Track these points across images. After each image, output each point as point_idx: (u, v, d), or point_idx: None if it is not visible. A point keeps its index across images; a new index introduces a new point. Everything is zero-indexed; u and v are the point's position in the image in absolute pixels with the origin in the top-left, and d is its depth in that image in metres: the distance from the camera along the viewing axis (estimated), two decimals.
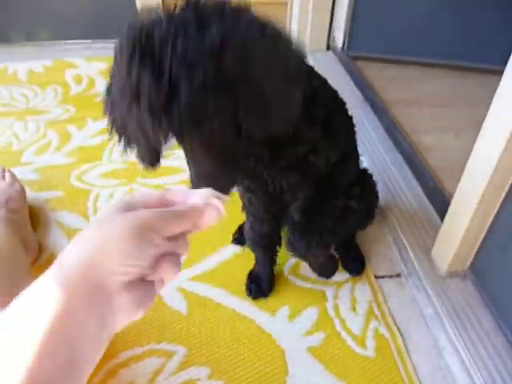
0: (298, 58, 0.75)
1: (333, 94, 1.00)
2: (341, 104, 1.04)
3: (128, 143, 0.74)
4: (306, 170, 0.95)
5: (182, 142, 0.68)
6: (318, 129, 0.89)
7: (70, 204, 1.55)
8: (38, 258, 1.35)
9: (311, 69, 0.94)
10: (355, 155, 1.13)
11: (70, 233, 1.44)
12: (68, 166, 1.72)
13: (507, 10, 2.19)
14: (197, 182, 0.70)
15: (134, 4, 2.50)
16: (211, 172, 0.69)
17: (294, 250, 1.12)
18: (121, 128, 0.72)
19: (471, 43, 2.36)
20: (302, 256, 1.17)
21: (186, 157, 0.72)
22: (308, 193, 1.04)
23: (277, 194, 1.00)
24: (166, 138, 0.66)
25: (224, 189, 0.68)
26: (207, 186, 0.58)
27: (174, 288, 1.27)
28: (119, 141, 0.75)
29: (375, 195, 1.27)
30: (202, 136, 0.65)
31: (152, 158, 0.78)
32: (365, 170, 1.25)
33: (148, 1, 2.44)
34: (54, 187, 1.62)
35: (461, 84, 2.38)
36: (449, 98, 2.26)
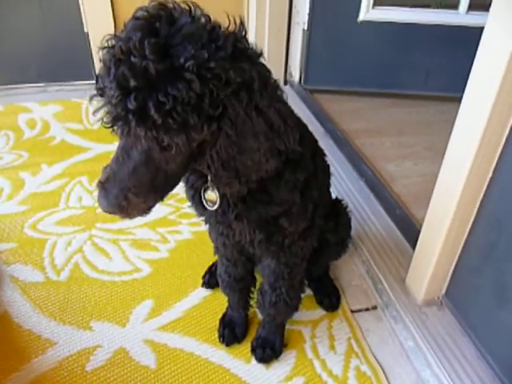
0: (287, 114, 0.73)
1: (314, 151, 0.98)
2: (321, 160, 1.02)
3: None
4: (274, 231, 0.90)
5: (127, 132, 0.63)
6: (297, 193, 0.86)
7: (24, 256, 1.44)
8: None
9: (301, 124, 0.92)
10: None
11: (26, 287, 1.33)
12: (21, 215, 1.62)
13: (449, 44, 2.32)
14: (111, 185, 0.65)
15: (89, 46, 2.47)
16: (137, 183, 0.65)
17: (267, 315, 1.13)
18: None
19: (419, 73, 2.47)
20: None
21: (120, 152, 0.66)
22: (274, 263, 1.02)
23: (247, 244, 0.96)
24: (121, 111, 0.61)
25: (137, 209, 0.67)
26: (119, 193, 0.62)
27: (140, 340, 1.18)
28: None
29: (349, 226, 1.25)
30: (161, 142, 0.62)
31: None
32: (339, 201, 1.24)
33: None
34: (6, 239, 1.51)
35: (412, 112, 2.47)
36: (404, 126, 2.32)
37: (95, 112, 0.66)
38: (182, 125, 0.59)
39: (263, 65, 0.70)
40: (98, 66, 0.68)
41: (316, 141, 0.99)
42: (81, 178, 1.82)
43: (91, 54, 2.49)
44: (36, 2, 2.35)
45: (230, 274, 1.12)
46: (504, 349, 1.05)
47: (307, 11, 2.36)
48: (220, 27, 0.65)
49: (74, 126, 2.22)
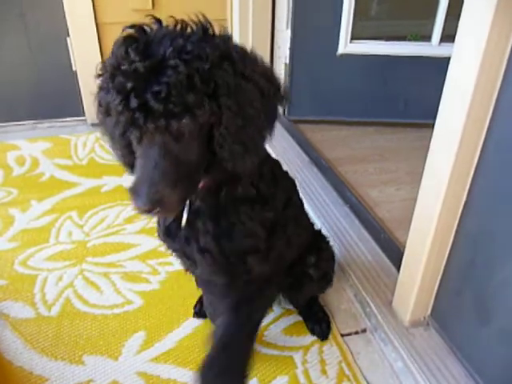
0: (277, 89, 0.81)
1: (289, 198, 1.02)
2: (292, 210, 1.05)
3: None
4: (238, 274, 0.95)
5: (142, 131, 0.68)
6: (264, 229, 0.91)
7: (14, 292, 1.45)
8: None
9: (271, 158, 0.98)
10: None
11: (16, 324, 1.33)
12: (11, 252, 1.62)
13: (423, 74, 2.44)
14: (145, 188, 0.68)
15: (77, 84, 2.53)
16: (164, 180, 0.68)
17: None
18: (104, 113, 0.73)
19: (398, 102, 2.58)
20: None
21: (140, 155, 0.70)
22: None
23: None
24: (131, 122, 0.66)
25: (170, 204, 0.69)
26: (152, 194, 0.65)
27: (133, 373, 1.18)
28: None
29: (332, 260, 1.29)
30: (175, 132, 0.67)
31: (128, 160, 0.80)
32: (319, 233, 1.27)
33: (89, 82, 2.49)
34: None
35: (393, 139, 2.56)
36: (385, 153, 2.40)
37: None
38: (182, 106, 0.65)
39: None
40: (86, 103, 0.74)
41: (294, 183, 1.04)
42: (70, 213, 1.84)
43: (79, 92, 2.55)
44: (25, 41, 2.42)
45: (216, 310, 1.13)
46: (489, 367, 1.08)
47: (288, 46, 2.47)
48: (187, 25, 0.72)
49: (63, 162, 2.25)
